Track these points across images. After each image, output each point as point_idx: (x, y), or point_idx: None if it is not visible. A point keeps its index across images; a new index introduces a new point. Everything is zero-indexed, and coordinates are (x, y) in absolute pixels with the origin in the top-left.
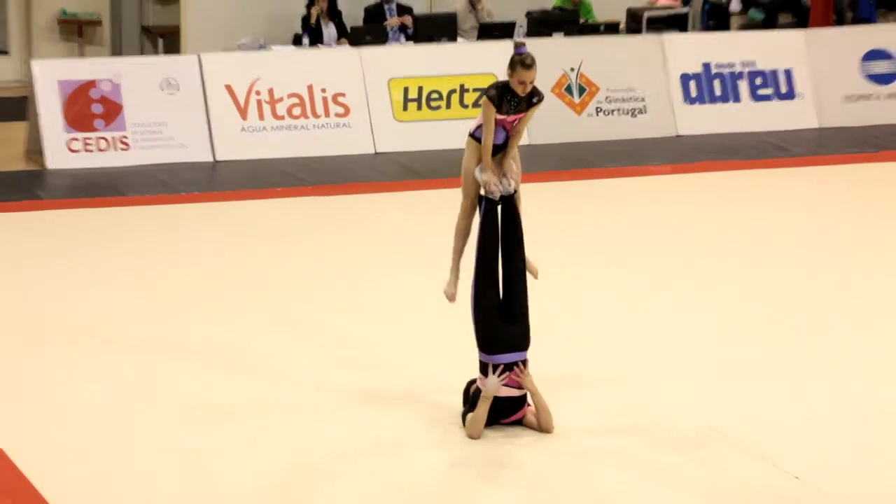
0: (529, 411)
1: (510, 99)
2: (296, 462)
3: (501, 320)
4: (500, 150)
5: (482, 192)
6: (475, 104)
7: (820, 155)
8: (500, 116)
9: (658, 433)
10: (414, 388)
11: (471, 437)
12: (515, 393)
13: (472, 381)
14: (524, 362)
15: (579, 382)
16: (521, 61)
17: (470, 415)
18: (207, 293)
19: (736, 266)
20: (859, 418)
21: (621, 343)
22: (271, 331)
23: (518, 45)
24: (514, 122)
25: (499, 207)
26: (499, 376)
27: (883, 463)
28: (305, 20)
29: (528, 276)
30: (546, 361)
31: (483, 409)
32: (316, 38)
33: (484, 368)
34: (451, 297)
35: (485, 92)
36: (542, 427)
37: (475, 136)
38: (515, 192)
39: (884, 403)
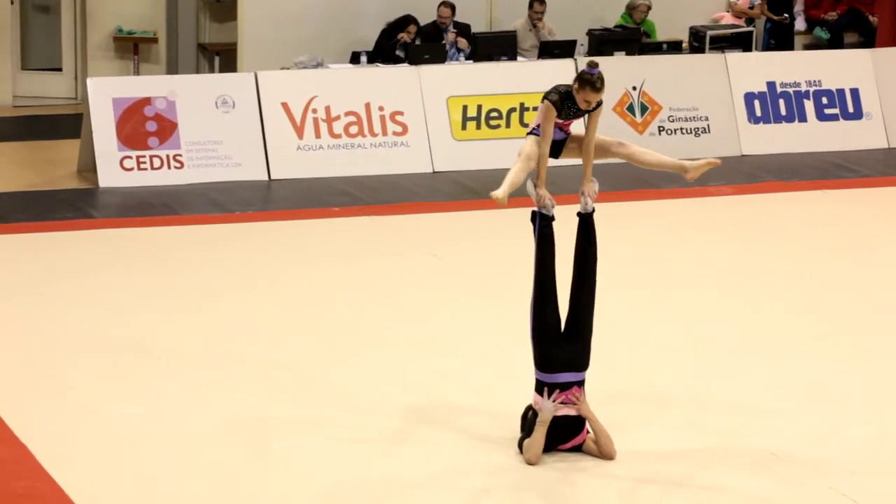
0: (589, 438)
1: (570, 106)
2: (347, 486)
3: (562, 338)
4: (556, 146)
5: (536, 207)
6: None
7: (889, 176)
8: (558, 120)
9: (720, 459)
10: (471, 412)
11: (528, 462)
12: (573, 412)
13: (530, 407)
14: (581, 384)
15: (641, 406)
16: (590, 82)
17: (527, 440)
18: (260, 313)
19: (801, 288)
20: None
21: (682, 366)
22: (323, 351)
23: (591, 65)
24: (570, 124)
25: (576, 225)
26: (552, 399)
27: None
28: (385, 41)
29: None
30: (606, 384)
31: (540, 433)
32: (383, 59)
33: (540, 388)
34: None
35: (546, 95)
36: (603, 453)
37: (534, 133)
38: (594, 210)
39: None
